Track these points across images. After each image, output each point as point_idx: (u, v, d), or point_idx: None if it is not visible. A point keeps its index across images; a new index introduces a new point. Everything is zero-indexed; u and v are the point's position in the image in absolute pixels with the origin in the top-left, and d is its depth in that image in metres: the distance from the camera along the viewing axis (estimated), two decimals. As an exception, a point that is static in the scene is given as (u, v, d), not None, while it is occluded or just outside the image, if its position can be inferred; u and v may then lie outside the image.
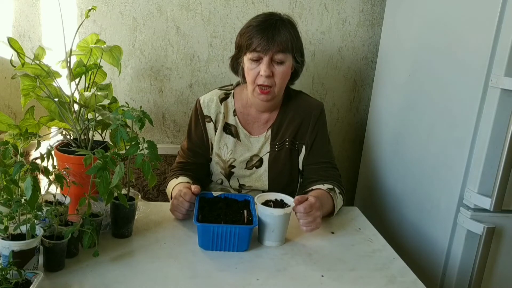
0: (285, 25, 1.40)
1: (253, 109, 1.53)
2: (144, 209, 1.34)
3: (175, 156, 1.63)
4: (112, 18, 1.77)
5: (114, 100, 1.48)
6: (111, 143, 1.23)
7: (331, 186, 1.42)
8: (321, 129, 1.53)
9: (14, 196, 0.99)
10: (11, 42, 1.24)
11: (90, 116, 1.31)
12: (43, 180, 1.13)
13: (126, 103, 1.23)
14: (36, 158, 1.12)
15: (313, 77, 1.97)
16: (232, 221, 1.20)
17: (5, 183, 0.97)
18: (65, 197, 1.14)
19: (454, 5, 1.38)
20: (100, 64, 1.44)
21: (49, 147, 1.16)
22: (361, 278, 1.10)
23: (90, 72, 1.43)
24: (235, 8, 1.83)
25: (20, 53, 1.25)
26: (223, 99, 1.54)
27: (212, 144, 1.55)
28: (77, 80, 1.37)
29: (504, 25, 1.18)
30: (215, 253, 1.16)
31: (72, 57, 1.36)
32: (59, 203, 1.12)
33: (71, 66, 1.35)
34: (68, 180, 1.11)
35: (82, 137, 1.27)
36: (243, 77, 1.47)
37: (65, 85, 1.33)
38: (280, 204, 1.26)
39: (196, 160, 1.54)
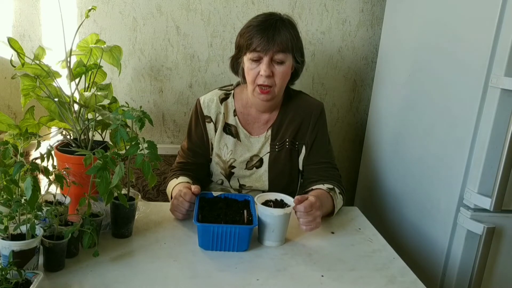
0: (285, 25, 1.40)
1: (253, 109, 1.53)
2: (144, 209, 1.34)
3: (175, 156, 1.63)
4: (112, 18, 1.77)
5: (114, 100, 1.48)
6: (111, 143, 1.23)
7: (331, 186, 1.42)
8: (321, 129, 1.53)
9: (14, 196, 0.99)
10: (11, 42, 1.24)
11: (90, 116, 1.31)
12: (43, 180, 1.13)
13: (126, 103, 1.23)
14: (36, 158, 1.12)
15: (313, 77, 1.97)
16: (232, 221, 1.20)
17: (5, 183, 0.97)
18: (65, 197, 1.14)
19: (454, 5, 1.38)
20: (100, 64, 1.44)
21: (49, 147, 1.16)
22: (361, 278, 1.10)
23: (90, 72, 1.43)
24: (235, 8, 1.83)
25: (20, 53, 1.25)
26: (223, 99, 1.54)
27: (212, 145, 1.55)
28: (77, 80, 1.37)
29: (504, 25, 1.18)
30: (215, 253, 1.16)
31: (72, 57, 1.36)
32: (59, 203, 1.12)
33: (71, 66, 1.35)
34: (68, 180, 1.11)
35: (82, 137, 1.27)
36: (243, 77, 1.47)
37: (65, 85, 1.33)
38: (280, 204, 1.26)
39: (196, 160, 1.54)
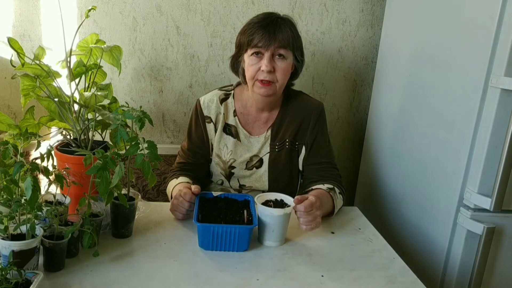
0: (286, 23, 1.41)
1: (253, 109, 1.53)
2: (144, 209, 1.34)
3: (175, 156, 1.63)
4: (112, 18, 1.77)
5: (114, 100, 1.48)
6: (111, 143, 1.23)
7: (331, 186, 1.42)
8: (321, 129, 1.53)
9: (14, 196, 0.99)
10: (11, 42, 1.24)
11: (90, 116, 1.31)
12: (43, 180, 1.13)
13: (126, 103, 1.23)
14: (36, 158, 1.12)
15: (313, 77, 1.97)
16: (232, 221, 1.20)
17: (5, 183, 0.97)
18: (65, 197, 1.14)
19: (454, 5, 1.38)
20: (100, 64, 1.44)
21: (49, 147, 1.16)
22: (361, 278, 1.10)
23: (90, 72, 1.43)
24: (235, 8, 1.83)
25: (20, 53, 1.25)
26: (223, 100, 1.54)
27: (212, 145, 1.55)
28: (77, 80, 1.37)
29: (504, 25, 1.18)
30: (215, 253, 1.16)
31: (72, 57, 1.36)
32: (59, 203, 1.12)
33: (71, 66, 1.35)
34: (68, 180, 1.11)
35: (82, 137, 1.27)
36: (243, 76, 1.47)
37: (65, 85, 1.33)
38: (280, 204, 1.26)
39: (196, 161, 1.54)
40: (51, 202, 1.12)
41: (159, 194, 1.93)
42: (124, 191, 1.18)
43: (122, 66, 1.64)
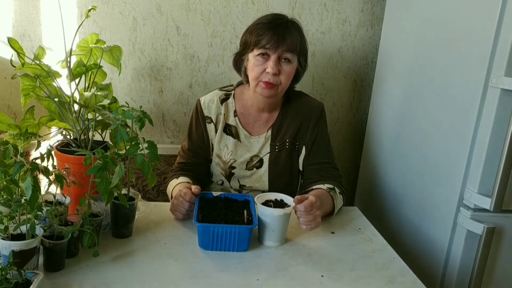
0: (295, 26, 1.41)
1: (253, 109, 1.53)
2: (144, 209, 1.34)
3: (175, 156, 1.63)
4: (112, 18, 1.77)
5: (114, 100, 1.48)
6: (111, 143, 1.23)
7: (331, 186, 1.42)
8: (321, 129, 1.53)
9: (14, 196, 0.99)
10: (11, 42, 1.24)
11: (90, 116, 1.31)
12: (43, 180, 1.13)
13: (126, 103, 1.23)
14: (36, 158, 1.12)
15: (313, 77, 1.97)
16: (232, 221, 1.20)
17: (5, 183, 0.97)
18: (65, 197, 1.14)
19: (454, 5, 1.38)
20: (100, 64, 1.44)
21: (49, 147, 1.16)
22: (361, 278, 1.10)
23: (90, 72, 1.43)
24: (235, 8, 1.83)
25: (20, 53, 1.25)
26: (223, 100, 1.54)
27: (212, 145, 1.55)
28: (77, 80, 1.37)
29: (504, 25, 1.18)
30: (215, 253, 1.16)
31: (72, 57, 1.36)
32: (59, 203, 1.12)
33: (71, 66, 1.35)
34: (68, 180, 1.11)
35: (82, 137, 1.27)
36: (246, 75, 1.47)
37: (65, 85, 1.33)
38: (280, 204, 1.26)
39: (197, 161, 1.54)
40: (51, 202, 1.12)
41: (159, 194, 1.93)
42: (124, 191, 1.18)
43: (122, 66, 1.64)
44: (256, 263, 1.14)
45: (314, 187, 1.44)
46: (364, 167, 2.01)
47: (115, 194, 1.11)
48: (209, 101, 1.53)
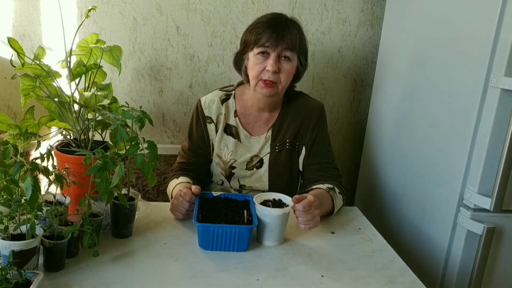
0: (294, 25, 1.42)
1: (254, 109, 1.53)
2: (144, 209, 1.34)
3: (175, 156, 1.63)
4: (112, 18, 1.77)
5: (114, 100, 1.48)
6: (111, 143, 1.23)
7: (331, 186, 1.42)
8: (321, 129, 1.53)
9: (14, 196, 0.99)
10: (11, 42, 1.24)
11: (90, 116, 1.31)
12: (43, 180, 1.13)
13: (126, 103, 1.23)
14: (36, 158, 1.12)
15: (313, 77, 1.97)
16: (232, 221, 1.21)
17: (5, 183, 0.97)
18: (65, 197, 1.14)
19: (454, 5, 1.38)
20: (100, 64, 1.44)
21: (49, 147, 1.16)
22: (361, 278, 1.10)
23: (90, 72, 1.43)
24: (235, 8, 1.83)
25: (20, 53, 1.25)
26: (224, 100, 1.54)
27: (213, 145, 1.55)
28: (77, 80, 1.37)
29: (504, 25, 1.18)
30: (215, 253, 1.16)
31: (72, 57, 1.36)
32: (59, 203, 1.12)
33: (71, 66, 1.35)
34: (68, 180, 1.11)
35: (82, 137, 1.27)
36: (246, 74, 1.47)
37: (65, 85, 1.33)
38: (278, 204, 1.26)
39: (197, 161, 1.54)
40: (51, 202, 1.12)
41: (159, 194, 1.93)
42: (124, 191, 1.18)
43: (122, 66, 1.64)
44: (256, 263, 1.14)
45: (313, 187, 1.44)
46: (364, 167, 2.01)
47: (115, 194, 1.11)
48: (210, 101, 1.53)
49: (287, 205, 1.24)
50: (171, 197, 1.41)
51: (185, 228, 1.29)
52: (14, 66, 1.28)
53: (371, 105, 1.95)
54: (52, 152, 1.16)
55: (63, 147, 1.25)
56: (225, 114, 1.53)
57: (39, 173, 1.07)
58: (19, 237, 0.98)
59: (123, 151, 1.14)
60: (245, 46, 1.44)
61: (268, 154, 1.53)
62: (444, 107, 1.41)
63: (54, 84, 1.31)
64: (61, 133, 1.37)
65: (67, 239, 1.02)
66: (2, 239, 0.96)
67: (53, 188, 1.12)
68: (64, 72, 1.36)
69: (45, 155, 1.13)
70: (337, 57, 1.96)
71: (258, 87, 1.42)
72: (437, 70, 1.46)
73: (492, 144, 1.23)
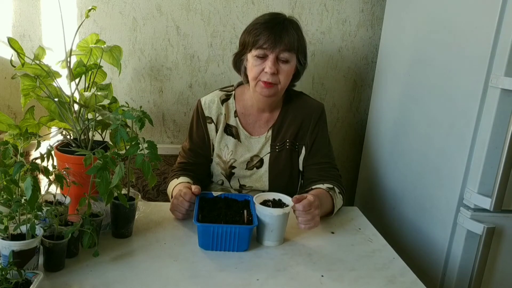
0: (292, 25, 1.41)
1: (254, 109, 1.53)
2: (144, 209, 1.35)
3: (175, 156, 1.63)
4: (112, 18, 1.77)
5: (114, 100, 1.48)
6: (111, 143, 1.23)
7: (331, 186, 1.42)
8: (321, 130, 1.53)
9: (14, 196, 0.99)
10: (11, 42, 1.24)
11: (90, 116, 1.31)
12: (43, 180, 1.13)
13: (126, 103, 1.23)
14: (36, 158, 1.12)
15: (313, 77, 1.97)
16: (232, 221, 1.20)
17: (5, 183, 0.97)
18: (65, 197, 1.14)
19: (454, 5, 1.38)
20: (100, 64, 1.44)
21: (49, 147, 1.16)
22: (361, 278, 1.10)
23: (90, 72, 1.43)
24: (235, 8, 1.83)
25: (20, 53, 1.25)
26: (224, 100, 1.54)
27: (213, 145, 1.55)
28: (77, 80, 1.37)
29: (504, 25, 1.18)
30: (215, 253, 1.16)
31: (72, 57, 1.36)
32: (59, 203, 1.12)
33: (71, 66, 1.35)
34: (68, 180, 1.11)
35: (82, 137, 1.27)
36: (245, 75, 1.47)
37: (65, 85, 1.33)
38: (278, 203, 1.26)
39: (197, 161, 1.54)
40: (51, 202, 1.12)
41: (159, 194, 1.93)
42: (124, 191, 1.18)
43: (122, 66, 1.64)
44: (256, 263, 1.14)
45: (313, 187, 1.44)
46: (364, 167, 2.01)
47: (115, 194, 1.11)
48: (210, 102, 1.54)
49: (287, 205, 1.24)
50: (171, 197, 1.41)
51: (185, 228, 1.29)
52: (14, 66, 1.28)
53: (371, 105, 1.95)
54: (52, 152, 1.16)
55: (63, 147, 1.25)
56: (225, 114, 1.53)
57: (39, 173, 1.07)
58: (19, 237, 0.98)
59: (123, 151, 1.14)
60: (244, 47, 1.44)
61: (268, 154, 1.53)
62: (444, 107, 1.41)
63: (54, 84, 1.31)
64: (61, 133, 1.37)
65: (67, 239, 1.02)
66: (2, 239, 0.96)
67: (53, 188, 1.12)
68: (64, 72, 1.36)
69: (45, 155, 1.13)
70: (337, 57, 1.96)
71: (257, 88, 1.42)
72: (437, 70, 1.46)
73: (492, 144, 1.23)
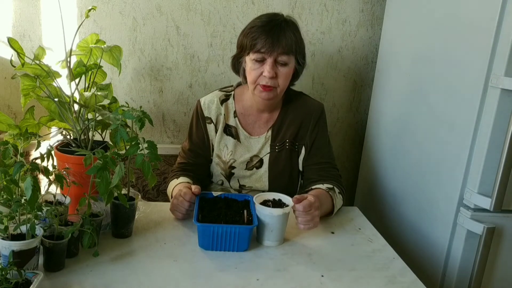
0: (290, 26, 1.40)
1: (253, 109, 1.53)
2: (144, 209, 1.35)
3: (175, 156, 1.63)
4: (112, 18, 1.77)
5: (114, 100, 1.48)
6: (111, 143, 1.23)
7: (330, 186, 1.42)
8: (321, 130, 1.53)
9: (14, 196, 0.99)
10: (11, 42, 1.24)
11: (90, 116, 1.31)
12: (43, 180, 1.13)
13: (126, 103, 1.23)
14: (36, 158, 1.12)
15: (313, 77, 1.97)
16: (232, 221, 1.20)
17: (5, 183, 0.97)
18: (65, 197, 1.14)
19: (454, 5, 1.38)
20: (100, 64, 1.44)
21: (49, 147, 1.16)
22: (361, 278, 1.10)
23: (90, 72, 1.43)
24: (235, 8, 1.83)
25: (20, 53, 1.25)
26: (223, 101, 1.54)
27: (212, 145, 1.55)
28: (77, 80, 1.37)
29: (504, 25, 1.18)
30: (215, 253, 1.16)
31: (72, 57, 1.36)
32: (59, 203, 1.12)
33: (71, 66, 1.35)
34: (68, 180, 1.11)
35: (82, 137, 1.27)
36: (244, 77, 1.47)
37: (65, 85, 1.33)
38: (278, 203, 1.26)
39: (197, 161, 1.54)
40: (51, 202, 1.12)
41: (159, 194, 1.93)
42: (124, 191, 1.18)
43: (122, 66, 1.64)
44: (256, 263, 1.14)
45: (313, 187, 1.44)
46: (364, 167, 2.01)
47: (115, 194, 1.11)
48: (209, 102, 1.53)
49: (287, 205, 1.24)
50: (171, 197, 1.41)
51: (185, 228, 1.29)
52: (14, 66, 1.28)
53: (371, 105, 1.95)
54: (52, 152, 1.16)
55: (63, 147, 1.25)
56: (224, 115, 1.53)
57: (39, 173, 1.07)
58: (19, 237, 0.98)
59: (123, 151, 1.14)
60: (242, 50, 1.44)
61: (268, 154, 1.53)
62: (444, 107, 1.41)
63: (54, 84, 1.31)
64: (61, 133, 1.37)
65: (67, 239, 1.02)
66: (2, 239, 0.96)
67: (53, 188, 1.12)
68: (64, 72, 1.36)
69: (45, 155, 1.13)
70: (337, 57, 1.96)
71: (256, 91, 1.42)
72: (437, 70, 1.46)
73: (492, 144, 1.23)
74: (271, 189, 1.51)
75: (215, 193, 1.35)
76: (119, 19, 1.78)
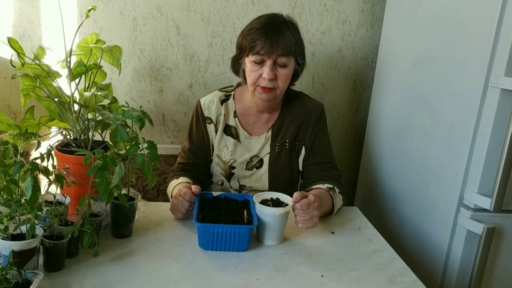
0: (289, 27, 1.39)
1: (253, 109, 1.53)
2: (144, 209, 1.35)
3: (175, 156, 1.63)
4: (112, 18, 1.77)
5: (114, 100, 1.48)
6: (111, 143, 1.23)
7: (331, 186, 1.42)
8: (321, 130, 1.53)
9: (14, 196, 0.99)
10: (11, 42, 1.24)
11: (90, 116, 1.31)
12: (43, 180, 1.13)
13: (126, 103, 1.23)
14: (36, 158, 1.11)
15: (313, 77, 1.97)
16: (232, 221, 1.20)
17: (5, 183, 0.97)
18: (65, 197, 1.14)
19: (454, 5, 1.38)
20: (100, 64, 1.44)
21: (49, 147, 1.15)
22: (361, 278, 1.10)
23: (90, 72, 1.43)
24: (235, 8, 1.83)
25: (20, 53, 1.25)
26: (223, 101, 1.54)
27: (212, 145, 1.55)
28: (77, 80, 1.37)
29: (504, 25, 1.18)
30: (215, 253, 1.16)
31: (72, 57, 1.36)
32: (59, 203, 1.12)
33: (71, 66, 1.35)
34: (68, 180, 1.10)
35: (82, 137, 1.27)
36: (244, 77, 1.47)
37: (65, 85, 1.33)
38: (277, 203, 1.26)
39: (197, 161, 1.54)
40: (51, 202, 1.12)
41: (159, 194, 1.93)
42: (124, 191, 1.18)
43: (122, 66, 1.64)
44: (256, 263, 1.14)
45: (313, 187, 1.44)
46: (364, 167, 2.01)
47: (115, 194, 1.11)
48: (209, 102, 1.54)
49: (287, 204, 1.24)
50: (171, 197, 1.41)
51: (185, 228, 1.29)
52: (14, 66, 1.28)
53: (371, 105, 1.95)
54: (52, 152, 1.16)
55: (63, 147, 1.25)
56: (224, 115, 1.53)
57: (39, 173, 1.07)
58: (19, 237, 0.98)
59: (123, 151, 1.14)
60: (241, 51, 1.44)
61: (268, 154, 1.53)
62: (444, 107, 1.41)
63: (54, 84, 1.31)
64: (61, 133, 1.37)
65: (67, 239, 1.02)
66: (2, 239, 0.96)
67: (53, 188, 1.12)
68: (64, 72, 1.36)
69: (45, 155, 1.13)
70: (337, 57, 1.96)
71: (256, 92, 1.42)
72: (437, 70, 1.46)
73: (492, 144, 1.23)
74: (271, 189, 1.51)
75: (215, 193, 1.35)
76: (119, 19, 1.78)
